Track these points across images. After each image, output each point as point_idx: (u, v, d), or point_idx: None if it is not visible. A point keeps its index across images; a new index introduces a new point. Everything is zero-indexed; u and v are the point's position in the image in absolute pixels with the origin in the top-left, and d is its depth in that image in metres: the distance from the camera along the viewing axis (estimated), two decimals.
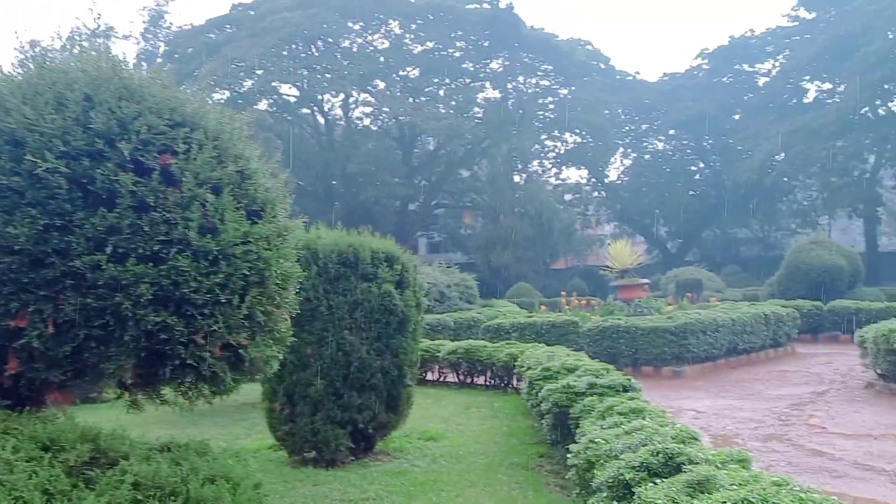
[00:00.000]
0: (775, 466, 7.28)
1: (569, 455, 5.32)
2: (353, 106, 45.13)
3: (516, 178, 44.38)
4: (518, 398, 10.69)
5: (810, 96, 42.39)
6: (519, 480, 6.71)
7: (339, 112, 45.62)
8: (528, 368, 8.91)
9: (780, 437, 9.02)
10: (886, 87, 35.69)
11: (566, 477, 5.83)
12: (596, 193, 51.85)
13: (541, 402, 7.16)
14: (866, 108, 36.70)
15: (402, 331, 7.56)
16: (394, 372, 7.50)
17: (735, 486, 3.40)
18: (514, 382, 11.91)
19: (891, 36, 34.59)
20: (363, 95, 43.81)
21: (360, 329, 7.26)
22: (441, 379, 13.54)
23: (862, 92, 34.71)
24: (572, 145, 48.14)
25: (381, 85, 43.22)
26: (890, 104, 37.77)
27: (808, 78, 41.88)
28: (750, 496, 3.12)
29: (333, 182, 43.21)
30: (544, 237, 38.54)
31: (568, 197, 48.79)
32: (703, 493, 3.42)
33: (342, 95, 43.01)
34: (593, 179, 51.01)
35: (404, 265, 7.69)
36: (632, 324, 15.07)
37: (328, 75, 40.03)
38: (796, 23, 43.35)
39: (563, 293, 27.72)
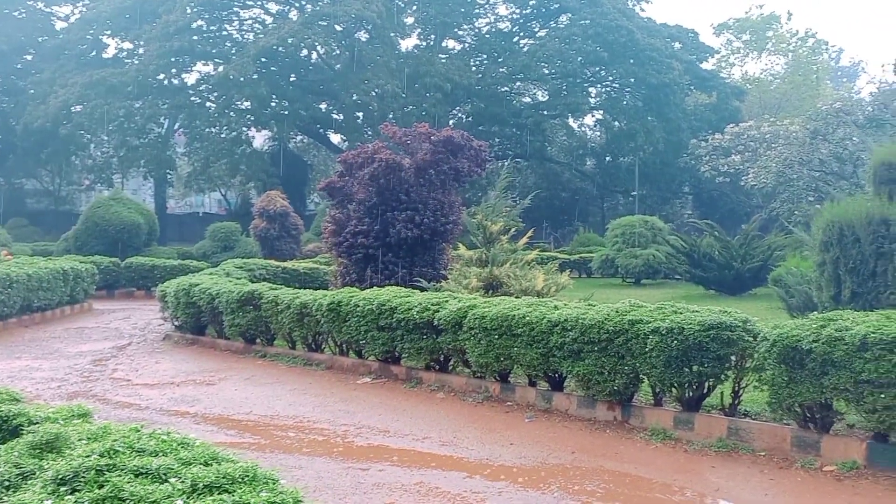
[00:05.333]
0: None
1: None
2: None
3: None
4: None
5: (110, 52, 42.12)
6: None
7: None
8: None
9: (85, 393, 8.70)
10: (182, 58, 38.19)
11: None
12: None
13: None
14: (163, 75, 38.55)
15: None
16: None
17: (86, 441, 3.06)
18: None
19: (189, 11, 37.06)
20: None
21: None
22: None
23: (160, 58, 36.30)
24: None
25: None
26: (184, 75, 40.64)
27: (108, 32, 41.43)
28: (116, 445, 2.84)
29: None
30: None
31: None
32: (52, 451, 2.97)
33: None
34: None
35: None
36: None
37: None
38: None
39: None
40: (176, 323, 12.91)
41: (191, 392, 8.83)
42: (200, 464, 2.73)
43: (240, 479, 2.58)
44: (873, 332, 5.42)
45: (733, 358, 6.43)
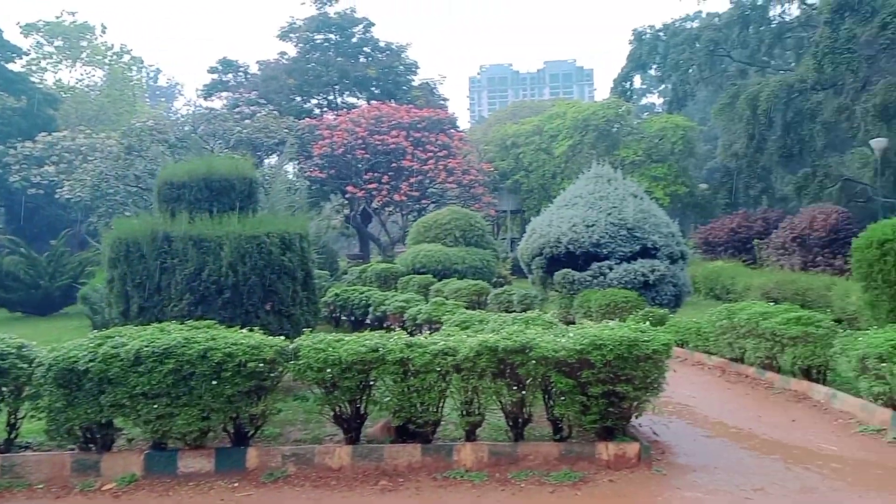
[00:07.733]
0: None
1: None
2: None
3: None
4: None
5: None
6: None
7: None
8: None
9: None
10: None
11: None
12: None
13: None
14: None
15: None
16: None
17: None
18: None
19: None
20: None
21: None
22: None
23: None
24: None
25: None
26: None
27: None
28: None
29: None
30: None
31: None
32: None
33: None
34: None
35: None
36: None
37: None
38: None
39: None
40: None
41: None
42: None
43: None
44: (146, 346, 5.62)
45: (5, 389, 5.86)
